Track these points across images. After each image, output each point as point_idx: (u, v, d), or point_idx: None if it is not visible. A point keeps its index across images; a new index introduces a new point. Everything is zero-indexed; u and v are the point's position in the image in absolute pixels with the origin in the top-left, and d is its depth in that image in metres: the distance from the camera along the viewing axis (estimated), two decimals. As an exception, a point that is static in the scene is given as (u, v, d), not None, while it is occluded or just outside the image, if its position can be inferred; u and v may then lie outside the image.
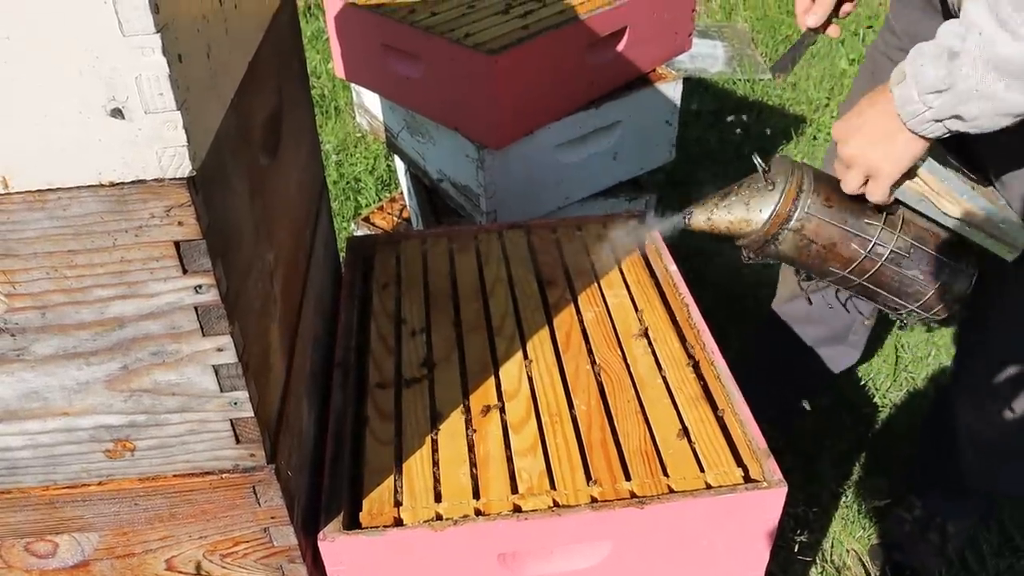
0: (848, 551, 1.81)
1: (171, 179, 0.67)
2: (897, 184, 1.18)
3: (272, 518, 0.91)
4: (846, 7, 1.37)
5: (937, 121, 1.05)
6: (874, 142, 1.13)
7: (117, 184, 0.66)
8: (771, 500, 1.02)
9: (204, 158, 0.70)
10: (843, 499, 1.87)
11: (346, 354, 1.24)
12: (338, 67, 2.00)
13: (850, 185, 1.19)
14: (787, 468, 1.90)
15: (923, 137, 1.09)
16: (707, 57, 3.72)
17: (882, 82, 1.41)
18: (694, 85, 3.53)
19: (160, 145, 0.65)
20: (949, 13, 1.26)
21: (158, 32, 0.60)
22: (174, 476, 0.86)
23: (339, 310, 1.33)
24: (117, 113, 0.63)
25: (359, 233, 2.34)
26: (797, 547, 1.69)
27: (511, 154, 1.76)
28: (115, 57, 0.61)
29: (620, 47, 1.85)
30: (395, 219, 2.36)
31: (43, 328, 0.74)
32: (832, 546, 1.82)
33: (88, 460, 0.84)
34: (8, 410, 0.79)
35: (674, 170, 3.00)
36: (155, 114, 0.63)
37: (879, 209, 1.25)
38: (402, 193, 2.45)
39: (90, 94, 0.62)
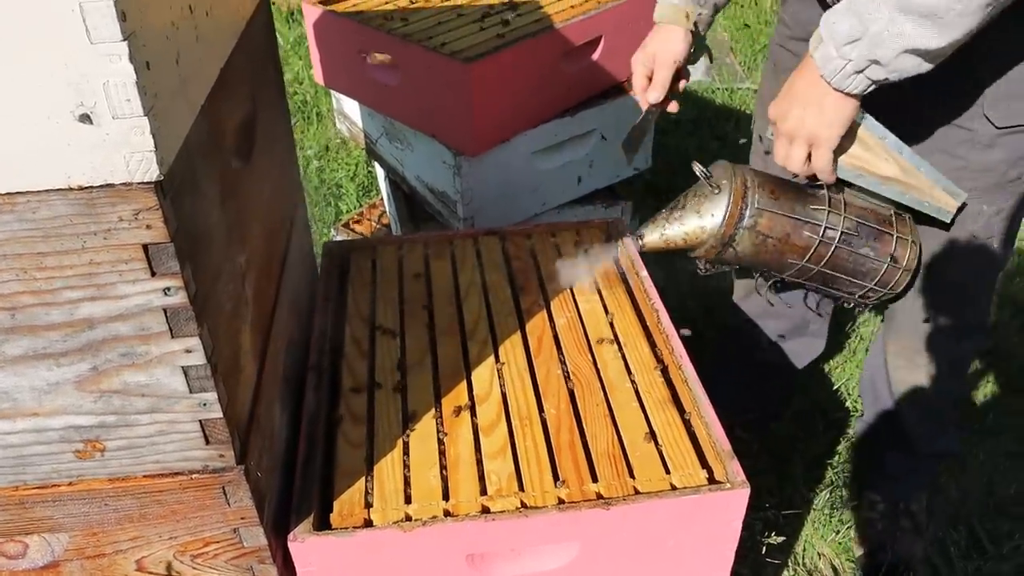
0: (819, 555, 1.83)
1: (139, 183, 0.68)
2: (838, 152, 1.22)
3: (242, 519, 0.92)
4: (681, 83, 1.47)
5: (858, 72, 1.09)
6: (807, 110, 1.16)
7: (86, 188, 0.68)
8: (734, 501, 1.04)
9: (172, 163, 0.71)
10: (815, 502, 1.90)
11: (320, 357, 1.25)
12: (317, 73, 2.02)
13: (795, 160, 1.21)
14: (759, 471, 1.94)
15: (849, 94, 1.13)
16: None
17: (785, 72, 1.50)
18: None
19: (128, 150, 0.66)
20: (825, 3, 1.33)
21: (125, 40, 0.61)
22: (144, 476, 0.87)
23: (314, 314, 1.34)
24: (85, 118, 0.65)
25: (338, 239, 2.35)
26: (765, 549, 1.71)
27: (488, 161, 1.78)
28: (83, 63, 0.62)
29: (595, 56, 1.87)
30: (375, 225, 2.38)
31: (12, 329, 0.75)
32: (804, 549, 1.84)
33: (58, 460, 0.84)
34: (-22, 411, 0.80)
35: (653, 179, 3.04)
36: (123, 119, 0.65)
37: (819, 196, 1.29)
38: (382, 199, 2.47)
39: (59, 99, 0.63)
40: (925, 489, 1.78)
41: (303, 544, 0.97)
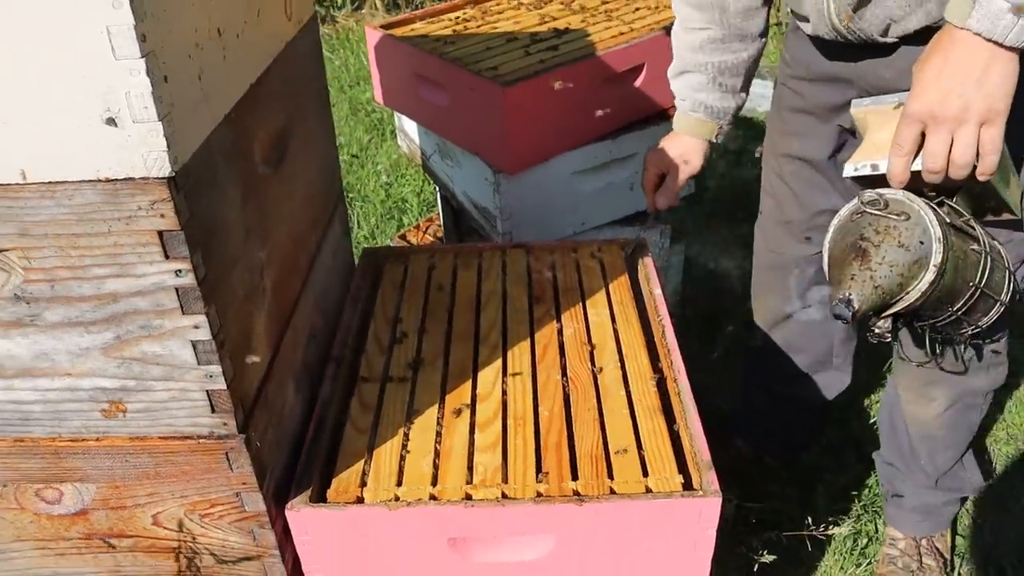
0: (839, 586, 1.82)
1: (154, 178, 0.80)
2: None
3: (243, 484, 1.03)
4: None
5: None
6: (970, 86, 1.04)
7: (111, 180, 0.80)
8: (707, 508, 1.08)
9: (187, 162, 0.83)
10: (838, 533, 1.89)
11: (341, 350, 1.36)
12: (378, 93, 2.16)
13: (966, 149, 1.07)
14: (784, 499, 1.94)
15: (1017, 49, 1.02)
16: (758, 97, 3.75)
17: (786, 109, 1.50)
18: (740, 124, 3.58)
19: (145, 149, 0.78)
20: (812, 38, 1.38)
21: (143, 57, 0.73)
22: (159, 438, 0.99)
23: (343, 311, 1.46)
24: (111, 122, 0.77)
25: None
26: (757, 567, 1.70)
27: (527, 179, 1.88)
28: (110, 76, 0.74)
29: (638, 83, 1.94)
30: (428, 237, 2.50)
31: (52, 298, 0.88)
32: (823, 580, 1.84)
33: (87, 417, 0.97)
34: (24, 367, 0.93)
35: (714, 209, 3.07)
36: (141, 124, 0.77)
37: (954, 206, 1.16)
38: (439, 214, 2.59)
39: (90, 106, 0.76)
40: (948, 526, 1.75)
41: (298, 513, 1.07)
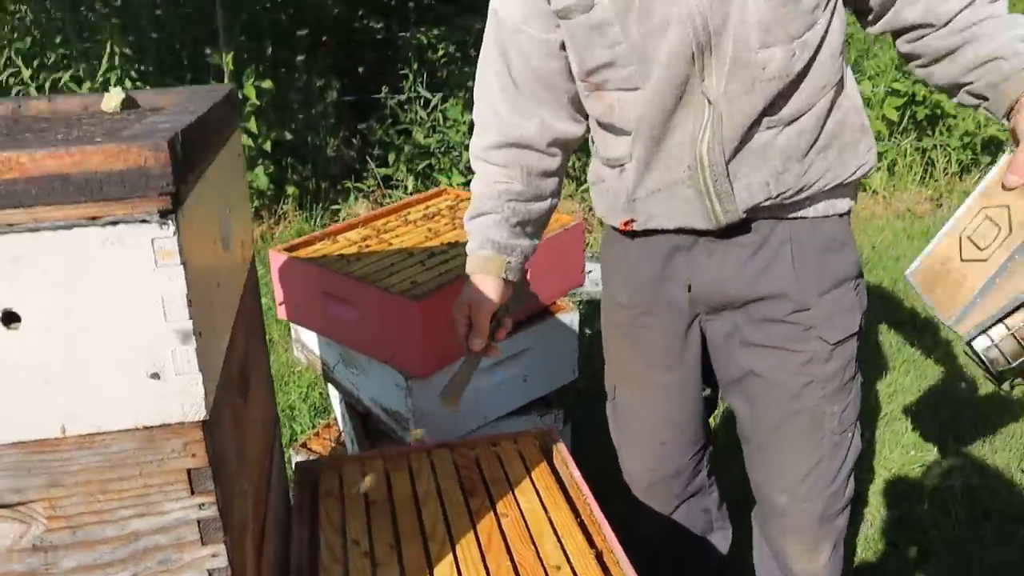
0: None
1: (190, 422, 0.91)
2: None
3: None
4: (501, 331, 1.61)
5: None
6: None
7: (149, 427, 0.90)
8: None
9: (213, 404, 0.94)
10: None
11: (299, 563, 1.41)
12: (281, 311, 2.29)
13: None
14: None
15: None
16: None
17: (649, 349, 1.72)
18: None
19: (184, 398, 0.90)
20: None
21: (191, 319, 0.87)
22: (163, 675, 1.01)
23: (291, 526, 1.51)
24: (155, 376, 0.88)
25: (298, 458, 2.51)
26: None
27: (435, 382, 2.04)
28: (159, 337, 0.87)
29: (523, 287, 2.21)
30: (331, 444, 2.56)
31: (72, 545, 0.93)
32: None
33: (89, 664, 0.98)
34: (28, 621, 0.95)
35: (587, 384, 3.33)
36: (183, 375, 0.89)
37: None
38: (336, 420, 2.67)
39: (136, 363, 0.87)
40: None
41: None
